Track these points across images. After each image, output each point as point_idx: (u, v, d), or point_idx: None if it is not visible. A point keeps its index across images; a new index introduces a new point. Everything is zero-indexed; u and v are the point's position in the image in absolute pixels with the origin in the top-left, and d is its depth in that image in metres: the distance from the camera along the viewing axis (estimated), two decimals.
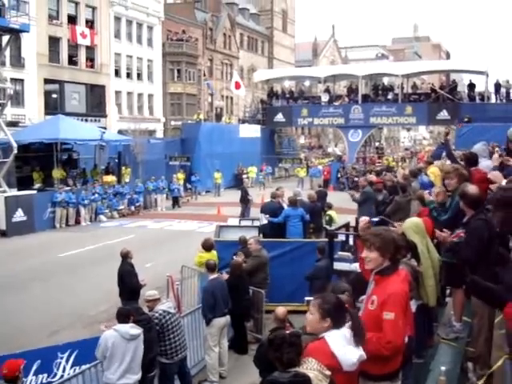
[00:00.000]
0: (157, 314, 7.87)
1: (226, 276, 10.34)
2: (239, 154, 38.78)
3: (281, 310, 7.46)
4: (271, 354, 3.46)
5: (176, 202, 30.44)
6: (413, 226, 6.33)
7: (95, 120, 41.15)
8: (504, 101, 38.24)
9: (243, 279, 10.38)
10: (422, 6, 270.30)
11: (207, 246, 11.25)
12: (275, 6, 74.02)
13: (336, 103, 43.32)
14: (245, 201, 24.44)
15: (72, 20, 40.96)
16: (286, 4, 77.20)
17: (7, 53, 30.63)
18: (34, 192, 24.46)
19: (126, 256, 11.26)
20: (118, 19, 45.46)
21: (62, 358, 8.17)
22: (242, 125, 43.55)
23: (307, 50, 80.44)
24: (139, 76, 48.31)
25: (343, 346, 3.54)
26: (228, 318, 9.51)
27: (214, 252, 11.35)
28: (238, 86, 43.86)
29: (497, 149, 13.09)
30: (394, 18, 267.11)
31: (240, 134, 40.78)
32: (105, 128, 36.05)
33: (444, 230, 6.18)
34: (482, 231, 5.20)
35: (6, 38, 26.29)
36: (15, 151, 23.85)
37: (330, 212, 15.14)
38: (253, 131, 42.60)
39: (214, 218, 24.00)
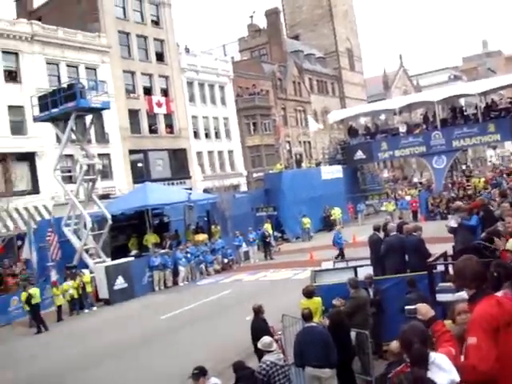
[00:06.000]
0: (264, 365, 7.82)
1: (326, 321, 10.17)
2: (324, 196, 38.62)
3: (395, 344, 7.21)
4: None
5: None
6: None
7: (180, 182, 42.44)
8: None
9: (342, 325, 10.08)
10: (489, 20, 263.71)
11: (307, 293, 11.11)
12: (339, 46, 74.63)
13: (415, 132, 42.61)
14: None
15: (147, 91, 42.96)
16: (350, 43, 77.66)
17: (92, 131, 32.44)
18: (132, 259, 25.29)
19: (258, 311, 11.19)
20: (190, 84, 47.22)
21: None
22: (324, 167, 43.55)
23: (378, 84, 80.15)
24: (217, 135, 49.64)
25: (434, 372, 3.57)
26: (325, 371, 8.81)
27: (316, 298, 11.17)
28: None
29: None
30: (461, 37, 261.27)
31: (322, 177, 40.74)
32: (190, 189, 37.09)
33: None
34: None
35: (89, 118, 28.06)
36: (110, 222, 24.94)
37: None
38: (335, 172, 42.48)
39: (308, 263, 23.85)
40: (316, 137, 59.40)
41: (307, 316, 9.30)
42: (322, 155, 52.20)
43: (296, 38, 73.44)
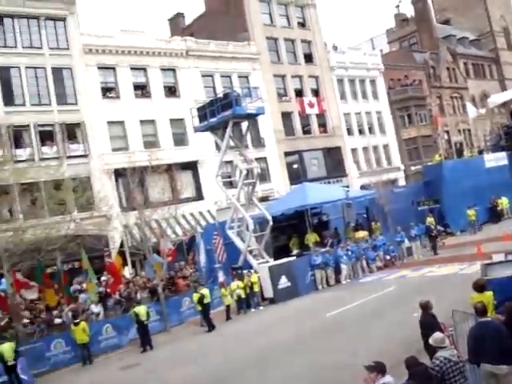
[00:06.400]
0: (437, 362, 7.59)
1: (501, 317, 9.62)
2: (489, 185, 36.39)
3: None
4: None
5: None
6: None
7: (336, 181, 42.52)
8: None
9: None
10: None
11: (478, 287, 10.60)
12: (494, 26, 70.35)
13: None
14: None
15: (299, 93, 43.56)
16: (506, 21, 72.80)
17: (248, 136, 33.55)
18: (294, 258, 25.74)
19: (426, 307, 10.97)
20: (340, 81, 47.15)
21: None
22: (487, 155, 41.17)
23: None
24: (371, 130, 49.05)
25: None
26: (502, 367, 8.17)
27: (487, 292, 10.62)
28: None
29: None
30: None
31: (486, 165, 38.48)
32: (347, 186, 36.95)
33: None
34: None
35: (245, 124, 29.03)
36: (271, 223, 25.58)
37: None
38: (499, 159, 39.91)
39: (475, 257, 22.70)
40: (476, 124, 56.29)
41: (481, 310, 8.86)
42: (484, 142, 49.35)
43: (446, 22, 70.45)
